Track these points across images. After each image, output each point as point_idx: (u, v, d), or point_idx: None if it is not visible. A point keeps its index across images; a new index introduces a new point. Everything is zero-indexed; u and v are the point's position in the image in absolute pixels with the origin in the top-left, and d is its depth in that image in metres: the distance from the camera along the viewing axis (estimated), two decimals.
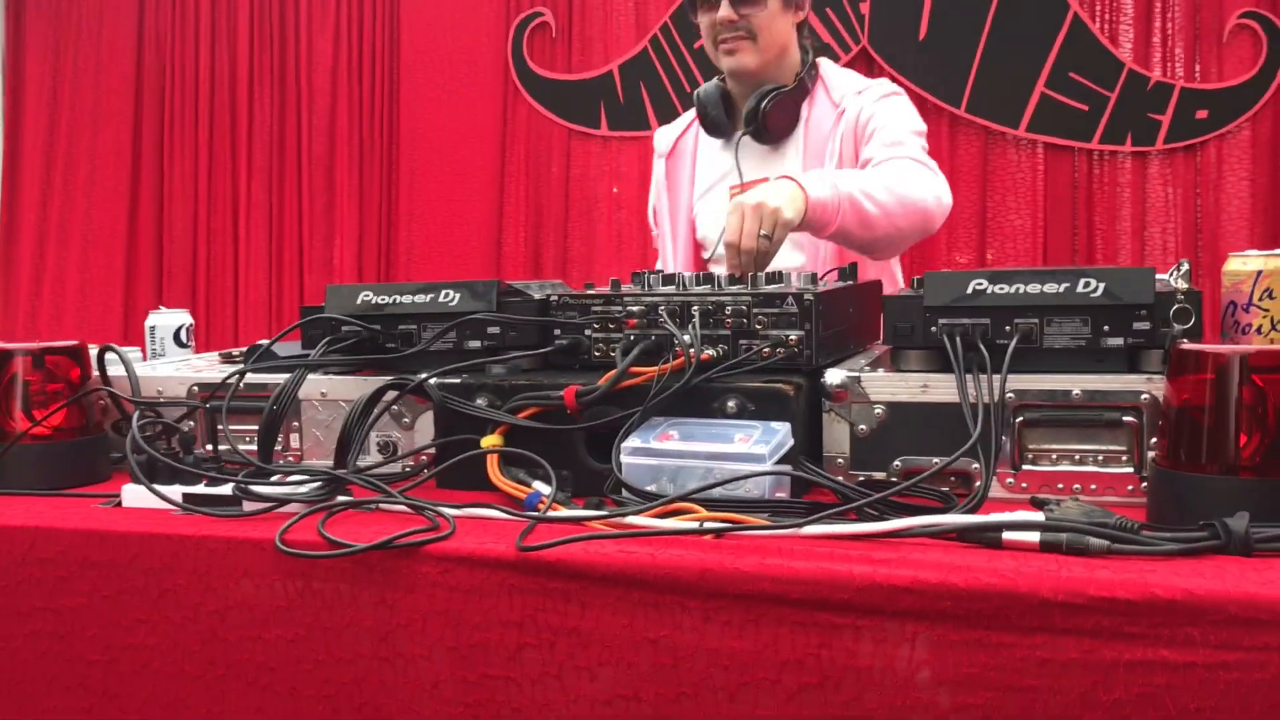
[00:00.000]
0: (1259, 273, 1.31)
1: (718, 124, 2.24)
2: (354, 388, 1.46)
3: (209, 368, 1.71)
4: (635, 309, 1.42)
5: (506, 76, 3.98)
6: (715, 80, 2.25)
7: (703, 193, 2.31)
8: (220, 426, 1.42)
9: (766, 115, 2.15)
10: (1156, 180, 3.41)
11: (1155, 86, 3.38)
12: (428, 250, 4.08)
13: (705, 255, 2.31)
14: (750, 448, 1.22)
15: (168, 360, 1.88)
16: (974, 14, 3.50)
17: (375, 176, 4.14)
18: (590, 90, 3.91)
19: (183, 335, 1.94)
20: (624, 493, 1.24)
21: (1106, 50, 3.42)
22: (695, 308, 1.40)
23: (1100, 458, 1.27)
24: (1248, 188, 3.34)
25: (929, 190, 1.98)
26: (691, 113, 2.33)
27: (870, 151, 2.08)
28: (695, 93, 2.28)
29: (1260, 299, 1.31)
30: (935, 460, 1.27)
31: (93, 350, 1.57)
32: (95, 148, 4.37)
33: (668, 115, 3.77)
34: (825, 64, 2.28)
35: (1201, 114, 3.35)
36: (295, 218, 4.21)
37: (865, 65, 3.61)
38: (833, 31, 3.60)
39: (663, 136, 2.45)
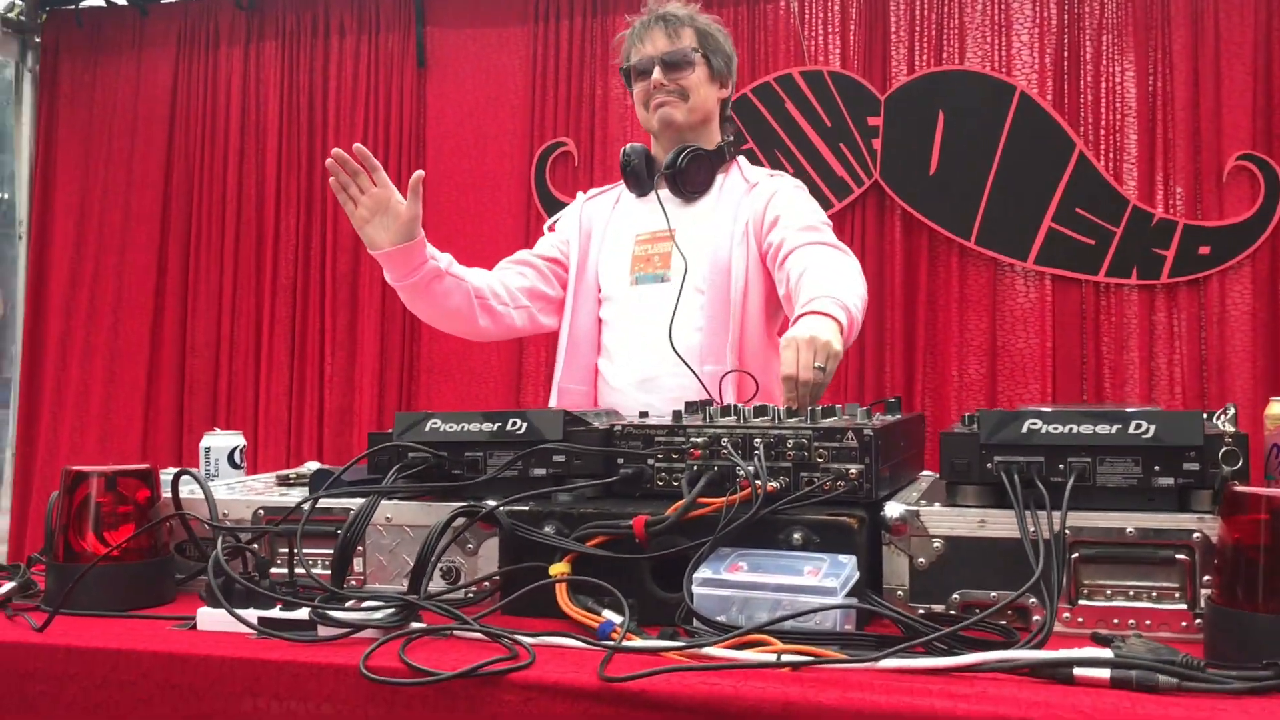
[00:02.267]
0: None
1: (638, 175, 2.39)
2: (419, 513, 1.50)
3: (268, 490, 1.75)
4: (699, 440, 1.47)
5: (529, 200, 4.09)
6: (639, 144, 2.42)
7: (611, 239, 2.44)
8: (292, 551, 1.45)
9: (684, 169, 2.32)
10: (1162, 312, 3.50)
11: (1159, 223, 3.50)
12: (448, 366, 4.14)
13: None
14: (821, 580, 1.26)
15: (222, 481, 1.92)
16: (983, 151, 3.63)
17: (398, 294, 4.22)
18: None
19: (236, 457, 1.98)
20: (696, 623, 1.28)
21: (1111, 187, 3.54)
22: (758, 440, 1.45)
23: (1154, 594, 1.31)
24: (1249, 321, 3.43)
25: (864, 281, 2.15)
26: (617, 184, 2.49)
27: (784, 234, 2.23)
28: (622, 149, 2.43)
29: None
30: (993, 594, 1.32)
31: (165, 474, 1.62)
32: (123, 264, 4.45)
33: None
34: (743, 157, 2.49)
35: (1204, 250, 3.46)
36: (318, 334, 4.27)
37: (877, 198, 3.73)
38: (846, 166, 3.73)
39: (587, 193, 2.61)
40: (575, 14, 4.07)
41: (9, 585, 1.53)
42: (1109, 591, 1.33)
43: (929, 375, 3.68)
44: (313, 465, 2.01)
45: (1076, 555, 1.33)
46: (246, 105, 4.42)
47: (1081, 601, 1.33)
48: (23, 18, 4.55)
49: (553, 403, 2.46)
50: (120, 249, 4.47)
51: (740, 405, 1.58)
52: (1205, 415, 1.44)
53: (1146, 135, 3.55)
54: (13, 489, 4.51)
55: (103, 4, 4.58)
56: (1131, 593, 1.32)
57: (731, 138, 2.45)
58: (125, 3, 4.56)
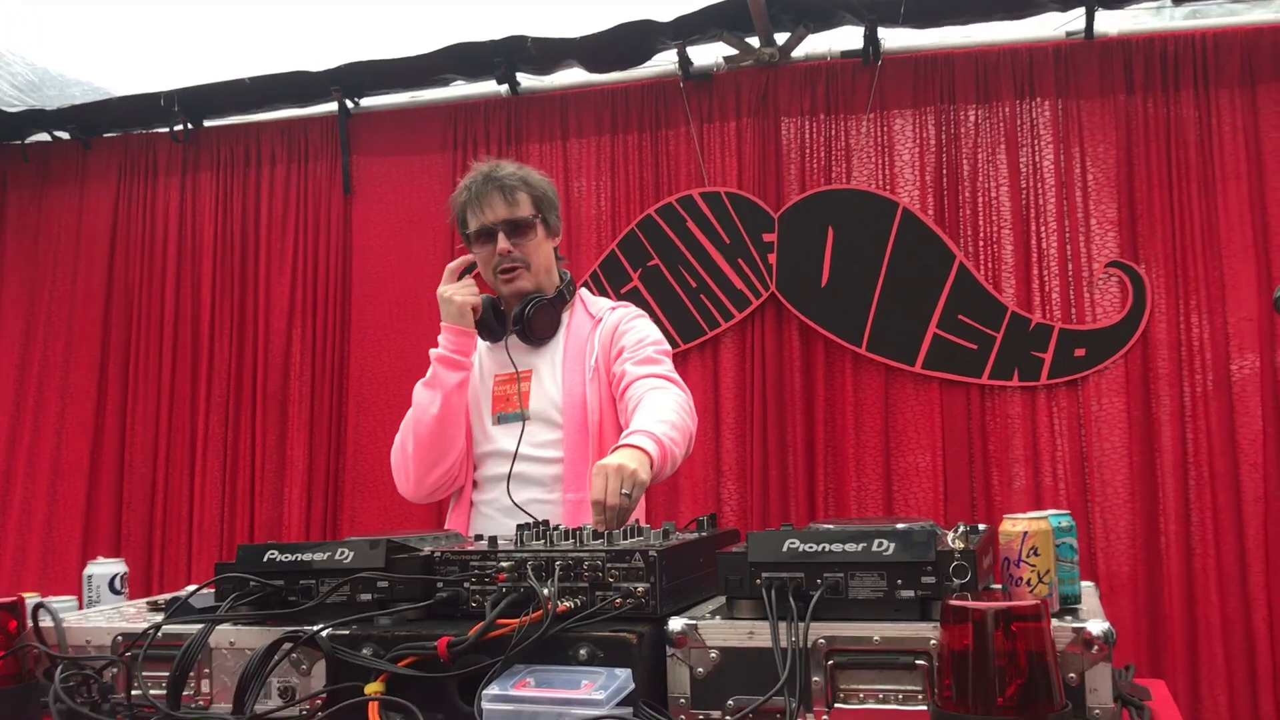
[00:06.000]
0: (1025, 533, 1.53)
1: (490, 327, 2.52)
2: (258, 638, 1.64)
3: (137, 616, 1.89)
4: (505, 564, 1.63)
5: None
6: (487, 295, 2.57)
7: (473, 380, 2.58)
8: (130, 675, 1.60)
9: (531, 319, 2.47)
10: (1043, 412, 3.68)
11: (1036, 328, 3.70)
12: (373, 479, 4.28)
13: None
14: (591, 694, 1.41)
15: (101, 608, 2.06)
16: (870, 264, 3.84)
17: (325, 410, 4.38)
18: None
19: (116, 583, 2.12)
20: None
21: (991, 295, 3.75)
22: (558, 563, 1.61)
23: (900, 696, 1.46)
24: (1125, 418, 3.62)
25: (692, 415, 2.35)
26: None
27: (625, 366, 2.43)
28: None
29: (1028, 556, 1.53)
30: (762, 699, 1.47)
31: (30, 601, 1.76)
32: (66, 386, 4.61)
33: None
34: (584, 290, 2.67)
35: (1079, 352, 3.66)
36: (249, 450, 4.43)
37: (775, 309, 3.93)
38: (744, 279, 3.93)
39: None
40: (491, 141, 4.30)
41: None
42: (862, 695, 1.47)
43: (830, 476, 3.85)
44: (190, 588, 2.16)
45: (832, 662, 1.48)
46: (183, 232, 4.62)
47: (838, 705, 1.47)
48: None
49: (447, 522, 2.63)
50: (64, 371, 4.63)
51: (555, 528, 1.74)
52: (941, 532, 1.60)
53: (1022, 245, 3.77)
54: None
55: (47, 138, 4.80)
56: (881, 695, 1.47)
57: (568, 277, 2.61)
58: (68, 137, 4.78)
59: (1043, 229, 3.76)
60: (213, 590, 1.78)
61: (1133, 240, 3.70)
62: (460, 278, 2.50)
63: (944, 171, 3.87)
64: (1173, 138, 3.69)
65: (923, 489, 3.73)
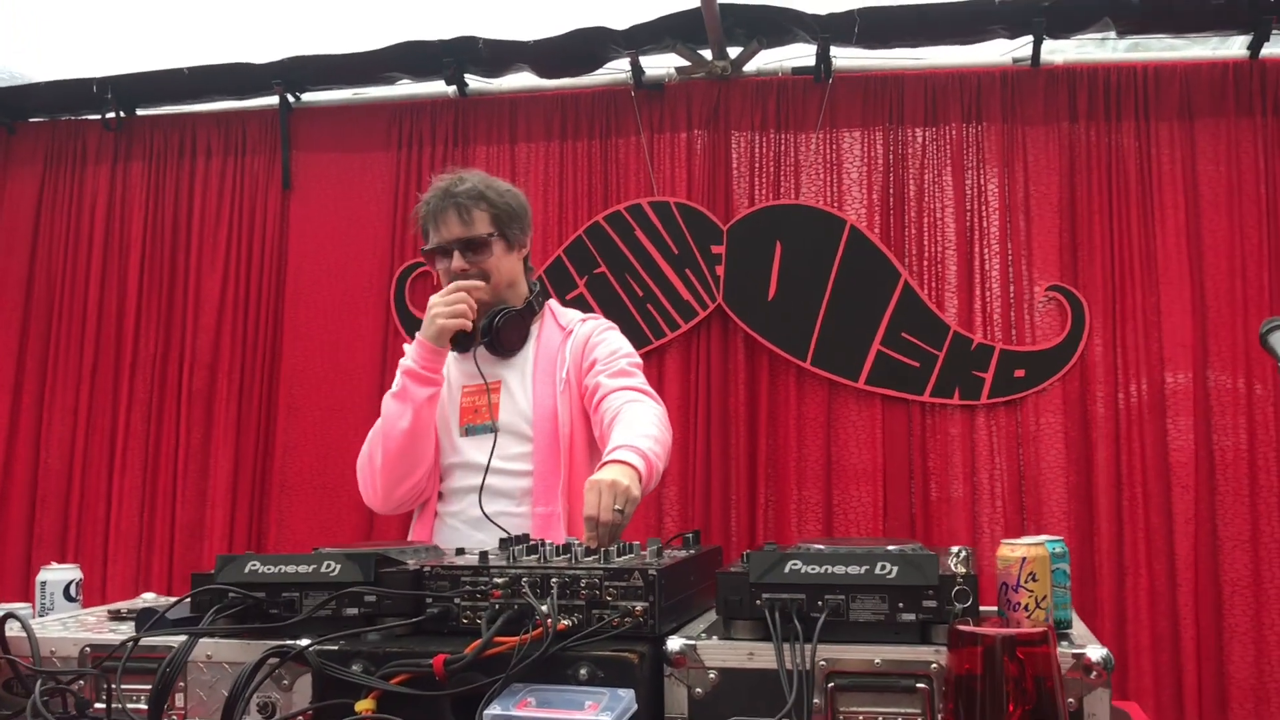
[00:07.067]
0: (1024, 559, 1.55)
1: (457, 339, 2.46)
2: (238, 651, 1.59)
3: (99, 625, 1.82)
4: (500, 581, 1.60)
5: (388, 319, 4.19)
6: None
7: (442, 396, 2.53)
8: (109, 689, 1.53)
9: (499, 331, 2.44)
10: (983, 430, 3.75)
11: (978, 347, 3.77)
12: (301, 483, 4.18)
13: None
14: (597, 715, 1.39)
15: (57, 616, 1.97)
16: (817, 279, 3.87)
17: (254, 410, 4.26)
18: None
19: (71, 590, 2.04)
20: None
21: (934, 314, 3.81)
22: (554, 580, 1.58)
23: (900, 719, 1.47)
24: (1062, 439, 3.70)
25: (669, 428, 2.33)
26: None
27: (599, 378, 2.39)
28: None
29: (1026, 581, 1.55)
30: None
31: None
32: None
33: None
34: (552, 301, 2.63)
35: (1019, 373, 3.74)
36: (172, 450, 4.28)
37: (721, 321, 3.94)
38: (691, 290, 3.93)
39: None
40: (437, 141, 4.24)
41: None
42: (861, 718, 1.48)
43: (771, 491, 3.86)
44: (149, 596, 2.09)
45: (833, 685, 1.48)
46: (111, 223, 4.46)
47: None
48: None
49: (411, 533, 2.57)
50: None
51: (545, 544, 1.72)
52: (944, 555, 1.62)
53: (965, 266, 3.83)
54: None
55: None
56: (881, 719, 1.48)
57: (538, 288, 2.58)
58: None
59: (986, 251, 3.83)
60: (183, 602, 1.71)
61: (1073, 265, 3.78)
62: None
63: (891, 191, 3.92)
64: (1113, 166, 3.79)
65: (863, 504, 3.76)
